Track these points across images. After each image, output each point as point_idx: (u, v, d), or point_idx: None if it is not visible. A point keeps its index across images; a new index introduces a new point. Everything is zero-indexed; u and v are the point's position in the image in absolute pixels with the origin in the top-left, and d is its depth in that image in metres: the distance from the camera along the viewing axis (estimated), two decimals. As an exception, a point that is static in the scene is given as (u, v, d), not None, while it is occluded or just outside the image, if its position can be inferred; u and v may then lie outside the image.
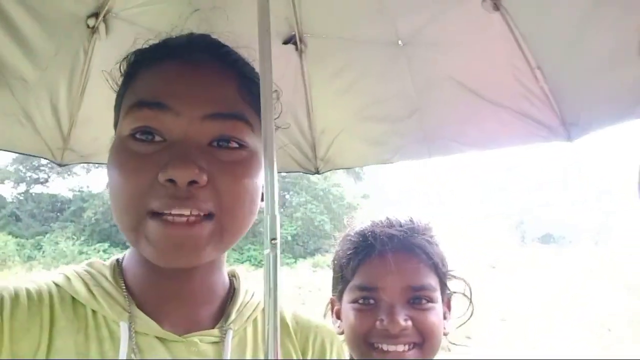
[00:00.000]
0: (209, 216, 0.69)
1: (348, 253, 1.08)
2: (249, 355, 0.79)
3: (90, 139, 1.24)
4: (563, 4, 0.92)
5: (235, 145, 0.72)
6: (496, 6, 1.02)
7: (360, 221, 1.14)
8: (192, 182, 0.66)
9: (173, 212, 0.66)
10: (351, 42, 1.17)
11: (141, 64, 0.76)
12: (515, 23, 1.03)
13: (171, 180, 0.66)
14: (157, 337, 0.73)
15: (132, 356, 0.70)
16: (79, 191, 16.93)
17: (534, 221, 19.67)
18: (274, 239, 0.63)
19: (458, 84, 1.15)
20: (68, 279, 0.75)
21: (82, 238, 14.44)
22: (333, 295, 1.13)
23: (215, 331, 0.78)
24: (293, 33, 1.19)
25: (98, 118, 1.21)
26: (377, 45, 1.16)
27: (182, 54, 0.75)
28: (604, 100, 1.04)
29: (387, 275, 1.03)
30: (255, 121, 0.75)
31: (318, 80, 1.25)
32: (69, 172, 16.37)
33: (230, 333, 0.78)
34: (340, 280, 1.09)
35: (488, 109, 1.16)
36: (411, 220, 1.09)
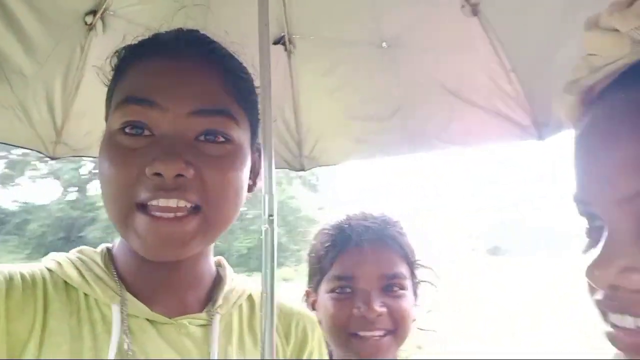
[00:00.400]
0: (194, 209, 0.71)
1: (326, 245, 1.14)
2: (235, 337, 0.82)
3: (83, 133, 1.27)
4: (538, 11, 0.99)
5: (221, 139, 0.74)
6: (474, 11, 1.10)
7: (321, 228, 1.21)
8: (179, 176, 0.68)
9: (160, 203, 0.68)
10: (338, 44, 1.23)
11: (130, 60, 0.78)
12: (492, 28, 1.11)
13: (158, 174, 0.68)
14: (147, 320, 0.76)
15: (125, 338, 0.73)
16: (24, 203, 16.11)
17: (530, 214, 20.02)
18: (271, 215, 0.68)
19: (439, 85, 1.22)
20: (60, 264, 0.76)
21: (26, 252, 13.81)
22: (309, 287, 1.18)
23: (204, 314, 0.81)
24: (283, 34, 1.24)
25: (91, 113, 1.24)
26: (362, 47, 1.22)
27: (170, 49, 0.77)
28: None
29: (364, 264, 1.09)
30: (240, 115, 0.77)
31: (305, 80, 1.31)
32: (12, 183, 15.74)
33: (218, 317, 0.81)
34: (317, 272, 1.15)
35: (466, 108, 1.24)
36: (383, 214, 1.16)
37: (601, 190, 0.43)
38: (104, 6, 1.09)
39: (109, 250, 0.82)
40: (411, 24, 1.17)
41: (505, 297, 10.54)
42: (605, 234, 0.43)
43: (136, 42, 0.80)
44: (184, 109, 0.71)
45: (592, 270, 0.43)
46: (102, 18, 1.10)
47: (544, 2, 0.95)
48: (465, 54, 1.18)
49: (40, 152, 1.24)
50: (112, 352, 0.71)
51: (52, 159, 1.27)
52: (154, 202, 0.68)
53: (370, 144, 1.36)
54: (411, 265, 1.15)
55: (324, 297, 1.11)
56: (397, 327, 1.07)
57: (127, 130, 0.71)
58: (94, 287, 0.75)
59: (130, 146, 0.70)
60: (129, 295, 0.76)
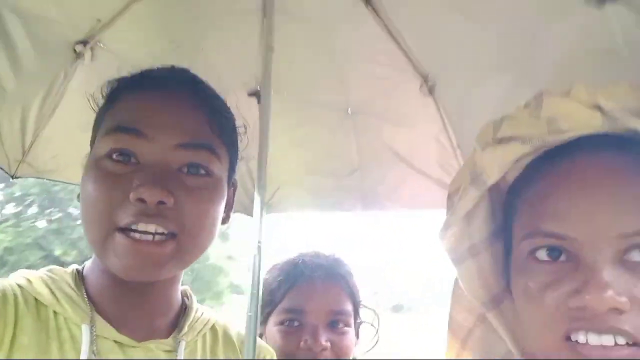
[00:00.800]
0: (171, 235, 0.74)
1: (279, 279, 1.22)
2: None
3: (49, 156, 1.28)
4: (485, 92, 1.15)
5: (202, 172, 0.78)
6: (430, 91, 1.27)
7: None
8: (160, 203, 0.72)
9: (140, 227, 0.71)
10: (307, 104, 1.35)
11: (123, 91, 0.82)
12: (444, 107, 1.28)
13: (141, 200, 0.71)
14: (115, 342, 0.77)
15: (92, 356, 0.73)
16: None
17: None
18: (260, 242, 0.75)
19: (393, 152, 1.36)
20: (30, 281, 0.77)
21: None
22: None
23: (170, 340, 0.83)
24: (258, 88, 1.35)
25: (61, 137, 1.28)
26: (329, 110, 1.35)
27: (161, 85, 0.82)
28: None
29: (314, 299, 1.17)
30: (222, 151, 0.82)
31: (273, 133, 1.41)
32: None
33: (183, 344, 0.83)
34: (268, 305, 1.20)
35: (415, 175, 1.38)
36: (334, 254, 1.27)
37: (596, 227, 0.55)
38: (96, 38, 1.16)
39: (78, 271, 0.83)
40: (375, 95, 1.31)
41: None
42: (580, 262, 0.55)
43: (129, 75, 0.85)
44: (171, 141, 0.76)
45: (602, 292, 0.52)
46: (91, 49, 1.17)
47: (491, 88, 1.12)
48: (419, 127, 1.33)
49: (2, 169, 1.23)
50: None
51: (13, 177, 1.27)
52: (134, 226, 0.71)
53: (326, 199, 1.46)
54: (356, 304, 1.22)
55: (273, 329, 1.17)
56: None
57: (114, 156, 0.75)
58: (64, 306, 0.75)
59: (115, 172, 0.74)
60: (98, 317, 0.77)
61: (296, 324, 1.15)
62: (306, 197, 1.47)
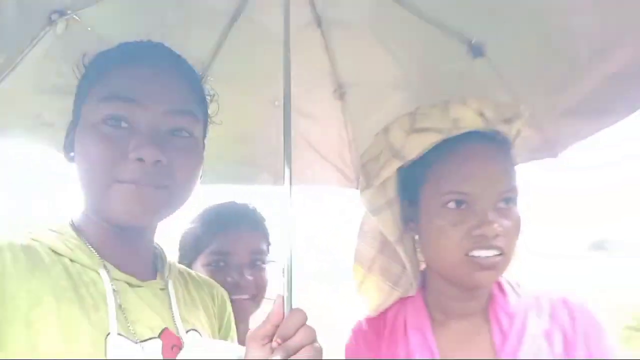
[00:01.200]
0: (164, 187, 0.85)
1: (205, 227, 1.42)
2: (181, 299, 0.98)
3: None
4: (382, 103, 1.59)
5: (185, 134, 0.90)
6: (340, 97, 1.65)
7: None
8: (157, 161, 0.83)
9: (140, 181, 0.82)
10: (245, 94, 1.60)
11: (112, 62, 0.91)
12: (348, 110, 1.67)
13: (140, 159, 0.82)
14: (126, 282, 0.87)
15: (116, 296, 0.83)
16: None
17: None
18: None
19: (305, 140, 1.72)
20: (42, 235, 0.83)
21: None
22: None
23: (160, 280, 0.96)
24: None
25: (8, 99, 1.28)
26: (261, 101, 1.60)
27: (148, 58, 0.91)
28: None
29: (238, 243, 1.41)
30: (200, 116, 0.95)
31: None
32: None
33: (170, 282, 0.97)
34: (194, 250, 1.42)
35: (319, 159, 1.76)
36: (248, 203, 1.53)
37: (485, 186, 0.98)
38: (75, 12, 1.21)
39: (71, 225, 0.90)
40: (297, 94, 1.64)
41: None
42: (475, 211, 0.99)
43: (107, 49, 0.96)
44: (161, 108, 0.86)
45: (489, 226, 0.94)
46: (67, 20, 1.22)
47: (388, 102, 1.56)
48: (327, 122, 1.69)
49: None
50: (111, 309, 0.81)
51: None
52: (135, 183, 0.82)
53: (245, 174, 1.75)
54: (268, 246, 1.49)
55: (201, 269, 1.37)
56: (258, 293, 1.40)
57: (108, 121, 0.84)
58: (79, 255, 0.83)
59: (111, 135, 0.84)
60: (105, 262, 0.86)
61: (222, 264, 1.38)
62: (229, 170, 1.72)
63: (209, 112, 1.06)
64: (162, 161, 0.83)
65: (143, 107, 0.85)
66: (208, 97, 1.06)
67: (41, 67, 1.25)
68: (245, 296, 1.36)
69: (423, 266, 1.19)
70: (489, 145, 1.04)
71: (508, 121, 1.05)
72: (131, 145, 0.83)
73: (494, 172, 1.01)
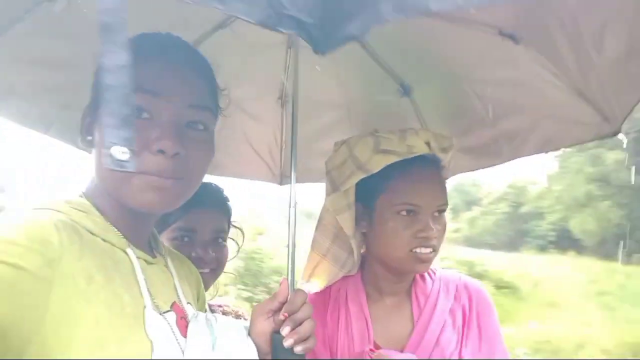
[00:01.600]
0: (180, 179, 0.86)
1: None
2: (176, 274, 1.01)
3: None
4: (317, 117, 1.89)
5: (201, 127, 0.89)
6: (282, 105, 1.86)
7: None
8: (176, 154, 0.83)
9: (160, 173, 0.83)
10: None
11: (138, 53, 0.89)
12: (285, 116, 1.88)
13: (161, 151, 0.82)
14: (144, 260, 0.90)
15: (142, 274, 0.86)
16: None
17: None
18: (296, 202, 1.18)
19: (245, 137, 1.92)
20: (74, 215, 0.82)
21: None
22: None
23: (161, 257, 1.00)
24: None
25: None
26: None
27: (171, 51, 0.90)
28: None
29: (203, 221, 1.50)
30: (215, 110, 0.94)
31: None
32: None
33: (169, 259, 1.02)
34: (161, 225, 1.42)
35: (253, 154, 1.97)
36: (212, 183, 1.62)
37: (428, 200, 1.33)
38: None
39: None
40: (247, 97, 1.84)
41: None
42: (420, 219, 1.33)
43: (132, 38, 0.88)
44: (183, 101, 0.86)
45: (430, 230, 1.28)
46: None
47: (323, 117, 1.86)
48: (266, 125, 1.90)
49: None
50: (143, 285, 0.84)
51: None
52: (156, 175, 0.83)
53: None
54: (229, 224, 1.58)
55: (166, 243, 1.34)
56: (217, 268, 1.50)
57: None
58: (109, 235, 0.85)
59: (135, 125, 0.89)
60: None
61: (186, 239, 1.44)
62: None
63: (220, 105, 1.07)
64: (180, 153, 0.84)
65: (166, 100, 0.86)
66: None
67: (27, 40, 1.24)
68: (207, 270, 1.44)
69: (362, 250, 1.47)
70: (432, 168, 1.33)
71: (445, 150, 1.34)
72: (153, 137, 0.84)
73: (435, 189, 1.31)
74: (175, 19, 1.42)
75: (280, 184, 2.11)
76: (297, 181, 2.08)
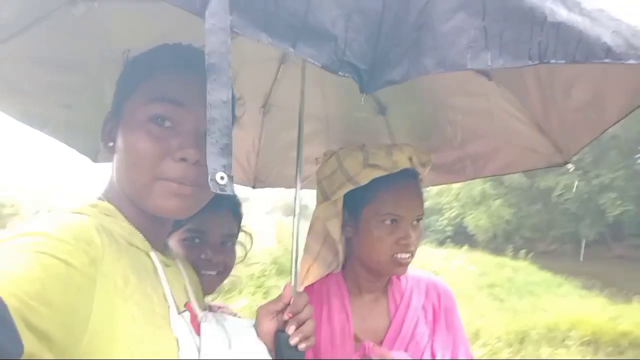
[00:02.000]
0: (200, 186, 0.88)
1: None
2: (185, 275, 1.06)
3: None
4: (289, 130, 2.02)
5: None
6: (264, 114, 1.97)
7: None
8: (197, 161, 0.87)
9: (182, 181, 0.86)
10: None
11: (158, 65, 0.93)
12: (264, 126, 2.03)
13: (184, 159, 0.86)
14: (164, 263, 0.94)
15: (165, 276, 0.90)
16: None
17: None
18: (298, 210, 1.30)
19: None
20: (103, 219, 0.84)
21: None
22: None
23: (171, 259, 1.03)
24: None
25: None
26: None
27: (194, 63, 0.89)
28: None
29: (213, 225, 1.49)
30: (233, 119, 0.93)
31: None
32: None
33: (178, 260, 1.07)
34: (173, 226, 1.40)
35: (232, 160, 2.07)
36: None
37: (410, 210, 1.51)
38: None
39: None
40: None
41: None
42: (401, 227, 1.50)
43: (152, 50, 0.97)
44: (204, 112, 0.78)
45: (410, 238, 1.46)
46: (88, 6, 1.25)
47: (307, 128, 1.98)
48: (248, 132, 1.98)
49: None
50: (166, 287, 0.89)
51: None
52: (178, 182, 0.87)
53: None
54: (239, 228, 1.58)
55: (176, 244, 1.44)
56: (224, 271, 1.48)
57: (155, 120, 0.88)
58: (135, 239, 0.88)
59: (157, 134, 0.87)
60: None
61: (197, 241, 1.44)
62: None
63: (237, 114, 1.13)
64: (200, 161, 0.87)
65: (188, 110, 0.89)
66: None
67: (41, 39, 1.24)
68: (214, 272, 1.45)
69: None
70: (412, 181, 1.46)
71: (424, 165, 1.48)
72: (175, 145, 0.87)
73: (415, 200, 1.44)
74: (175, 26, 1.51)
75: (254, 187, 2.21)
76: (271, 186, 2.22)
